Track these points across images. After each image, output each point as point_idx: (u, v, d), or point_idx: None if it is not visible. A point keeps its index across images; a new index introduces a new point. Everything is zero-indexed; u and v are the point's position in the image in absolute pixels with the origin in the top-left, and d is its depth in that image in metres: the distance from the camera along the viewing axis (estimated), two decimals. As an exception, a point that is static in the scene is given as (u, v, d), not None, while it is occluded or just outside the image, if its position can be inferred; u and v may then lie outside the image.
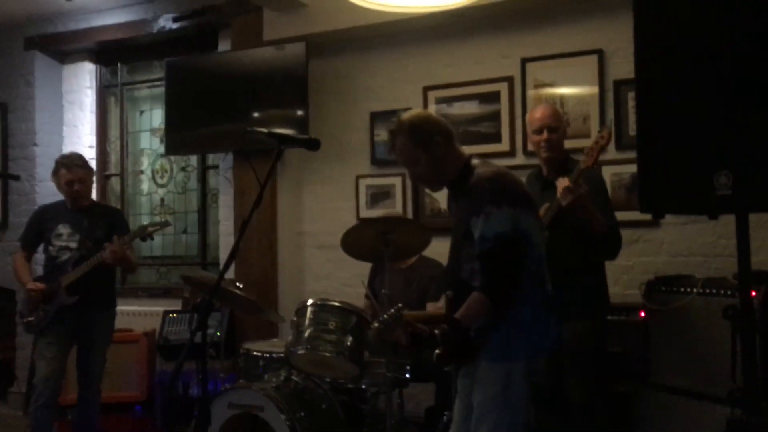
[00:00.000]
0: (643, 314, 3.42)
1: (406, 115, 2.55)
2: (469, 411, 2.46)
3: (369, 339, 2.50)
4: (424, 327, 2.42)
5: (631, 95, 3.98)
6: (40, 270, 4.17)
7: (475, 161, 2.48)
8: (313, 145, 2.45)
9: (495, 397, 2.35)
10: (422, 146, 2.45)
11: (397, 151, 2.52)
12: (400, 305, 2.52)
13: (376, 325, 2.44)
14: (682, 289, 3.26)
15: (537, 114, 3.26)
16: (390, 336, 2.51)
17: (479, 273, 2.33)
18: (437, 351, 2.44)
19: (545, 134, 3.19)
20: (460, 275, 2.44)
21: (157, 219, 5.64)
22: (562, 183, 2.93)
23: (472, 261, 2.36)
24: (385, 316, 2.43)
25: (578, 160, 3.10)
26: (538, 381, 2.46)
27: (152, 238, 3.72)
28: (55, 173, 3.86)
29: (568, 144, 3.44)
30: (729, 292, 3.04)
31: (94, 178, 5.62)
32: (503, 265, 2.29)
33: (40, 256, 4.02)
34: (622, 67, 4.08)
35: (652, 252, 4.03)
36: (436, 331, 2.33)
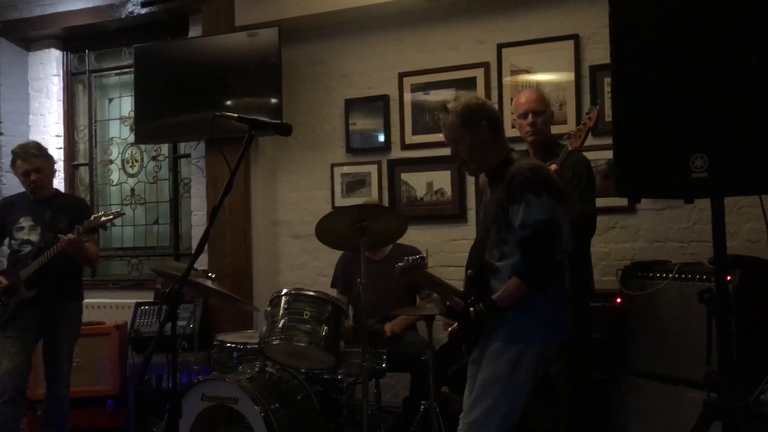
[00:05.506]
0: (619, 300, 3.43)
1: (465, 96, 2.68)
2: None
3: (396, 274, 2.56)
4: (459, 301, 2.49)
5: (607, 81, 3.97)
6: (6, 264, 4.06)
7: (515, 154, 2.57)
8: (285, 129, 2.39)
9: (500, 376, 2.40)
10: (468, 127, 2.52)
11: (445, 128, 2.59)
12: (423, 255, 2.59)
13: (401, 264, 2.51)
14: (658, 275, 3.28)
15: (522, 98, 3.28)
16: (412, 278, 2.58)
17: (509, 257, 2.41)
18: (451, 329, 2.56)
19: (530, 118, 3.21)
20: (484, 257, 2.51)
21: (128, 209, 5.59)
22: (551, 167, 2.92)
23: (501, 245, 2.45)
24: (409, 258, 2.51)
25: (564, 144, 3.08)
26: (543, 371, 2.52)
27: (105, 228, 3.64)
28: (13, 164, 3.77)
29: (546, 130, 3.42)
30: (704, 277, 3.08)
31: (62, 168, 5.60)
32: (542, 252, 2.37)
33: (6, 249, 3.91)
34: (598, 52, 4.07)
35: (628, 238, 4.03)
36: (471, 309, 2.42)
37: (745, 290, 2.90)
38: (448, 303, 2.51)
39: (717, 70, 2.00)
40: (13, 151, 3.78)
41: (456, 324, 2.57)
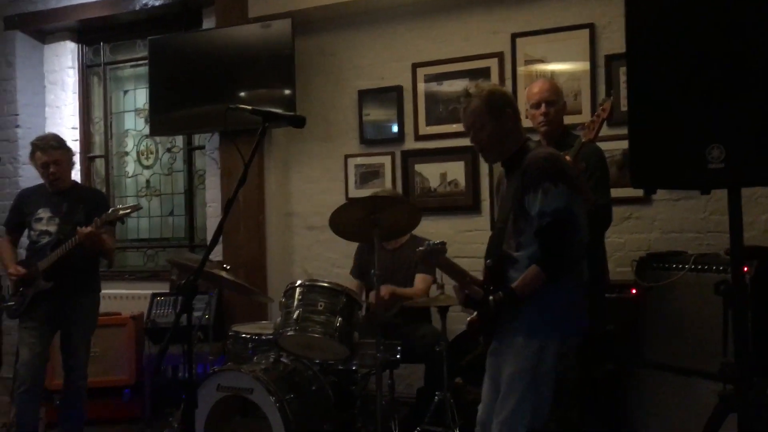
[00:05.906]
0: (634, 291, 3.41)
1: (486, 83, 2.69)
2: (497, 388, 2.51)
3: (417, 257, 2.63)
4: (479, 290, 2.49)
5: (622, 70, 3.93)
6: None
7: (531, 143, 2.56)
8: (299, 121, 2.40)
9: (526, 370, 2.40)
10: (493, 114, 2.50)
11: (467, 113, 2.55)
12: (444, 241, 2.59)
13: (422, 248, 2.54)
14: (674, 266, 3.25)
15: (535, 88, 3.25)
16: (432, 263, 2.62)
17: (526, 247, 2.40)
18: (470, 318, 2.53)
19: (543, 108, 3.19)
20: (502, 247, 2.51)
21: (144, 201, 5.63)
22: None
23: (517, 235, 2.44)
24: (431, 242, 2.53)
25: (577, 134, 3.06)
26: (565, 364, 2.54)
27: (123, 222, 3.65)
28: (32, 156, 3.79)
29: (560, 120, 3.39)
30: (721, 268, 3.05)
31: (78, 160, 5.63)
32: (561, 240, 2.35)
33: (26, 240, 3.95)
34: (614, 41, 4.03)
35: (644, 229, 4.01)
36: (491, 297, 2.42)
37: (761, 281, 2.88)
38: (467, 291, 2.51)
39: (733, 60, 1.97)
40: (32, 143, 3.81)
41: (475, 313, 2.57)
